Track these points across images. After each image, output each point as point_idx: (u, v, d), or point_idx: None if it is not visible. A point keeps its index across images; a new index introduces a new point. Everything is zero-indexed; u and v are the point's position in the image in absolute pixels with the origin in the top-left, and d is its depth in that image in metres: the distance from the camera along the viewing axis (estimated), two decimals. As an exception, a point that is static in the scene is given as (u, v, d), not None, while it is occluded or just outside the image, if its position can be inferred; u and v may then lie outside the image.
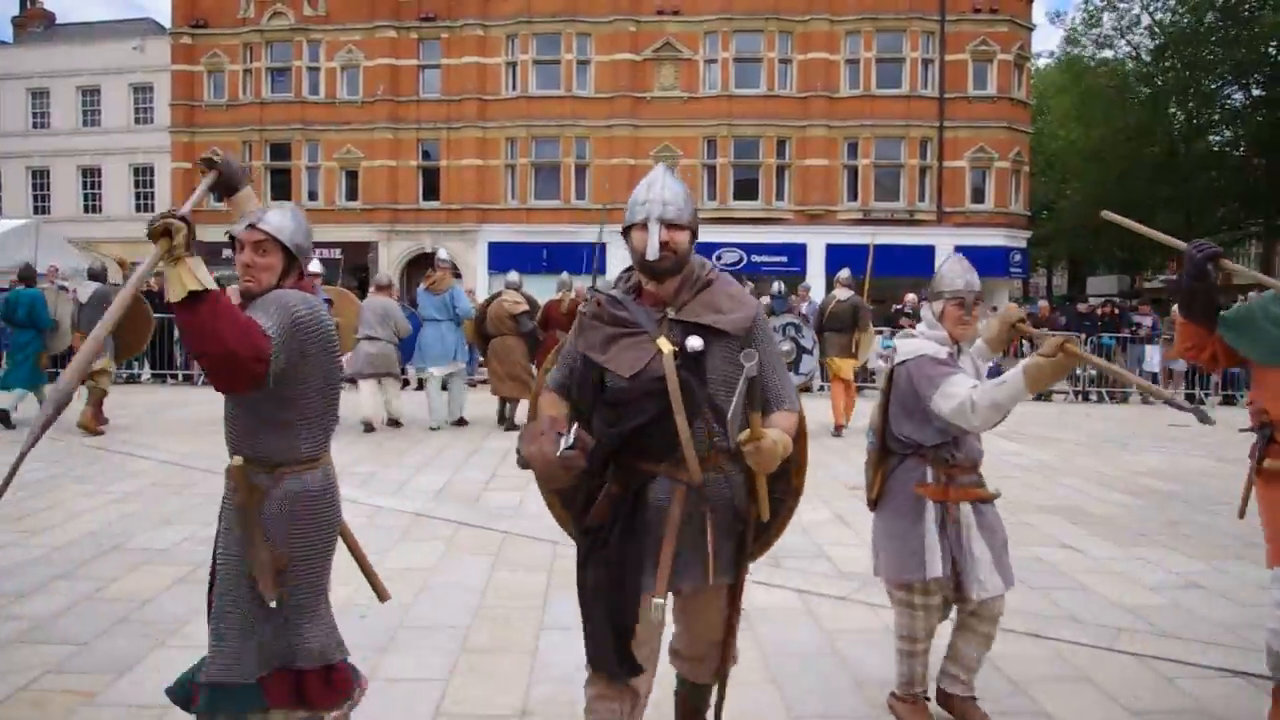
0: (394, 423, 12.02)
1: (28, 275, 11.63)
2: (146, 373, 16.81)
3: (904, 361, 3.69)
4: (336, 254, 30.95)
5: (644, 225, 2.76)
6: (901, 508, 3.70)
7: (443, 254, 12.97)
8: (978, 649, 3.79)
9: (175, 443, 10.16)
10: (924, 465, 3.68)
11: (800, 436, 2.93)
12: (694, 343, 2.71)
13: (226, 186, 3.15)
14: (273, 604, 2.90)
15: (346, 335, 11.44)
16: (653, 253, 2.73)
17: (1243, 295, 20.75)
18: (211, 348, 2.51)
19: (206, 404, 13.86)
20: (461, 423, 12.30)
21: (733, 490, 2.83)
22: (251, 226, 2.93)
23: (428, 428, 11.87)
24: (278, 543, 2.90)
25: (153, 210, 33.66)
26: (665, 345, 2.70)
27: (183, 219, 2.44)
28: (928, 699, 3.85)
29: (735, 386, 2.65)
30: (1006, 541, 3.78)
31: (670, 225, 2.75)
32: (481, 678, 4.18)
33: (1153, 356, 17.53)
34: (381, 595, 3.51)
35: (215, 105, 33.42)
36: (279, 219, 2.98)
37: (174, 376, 17.14)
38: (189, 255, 2.45)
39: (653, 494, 2.77)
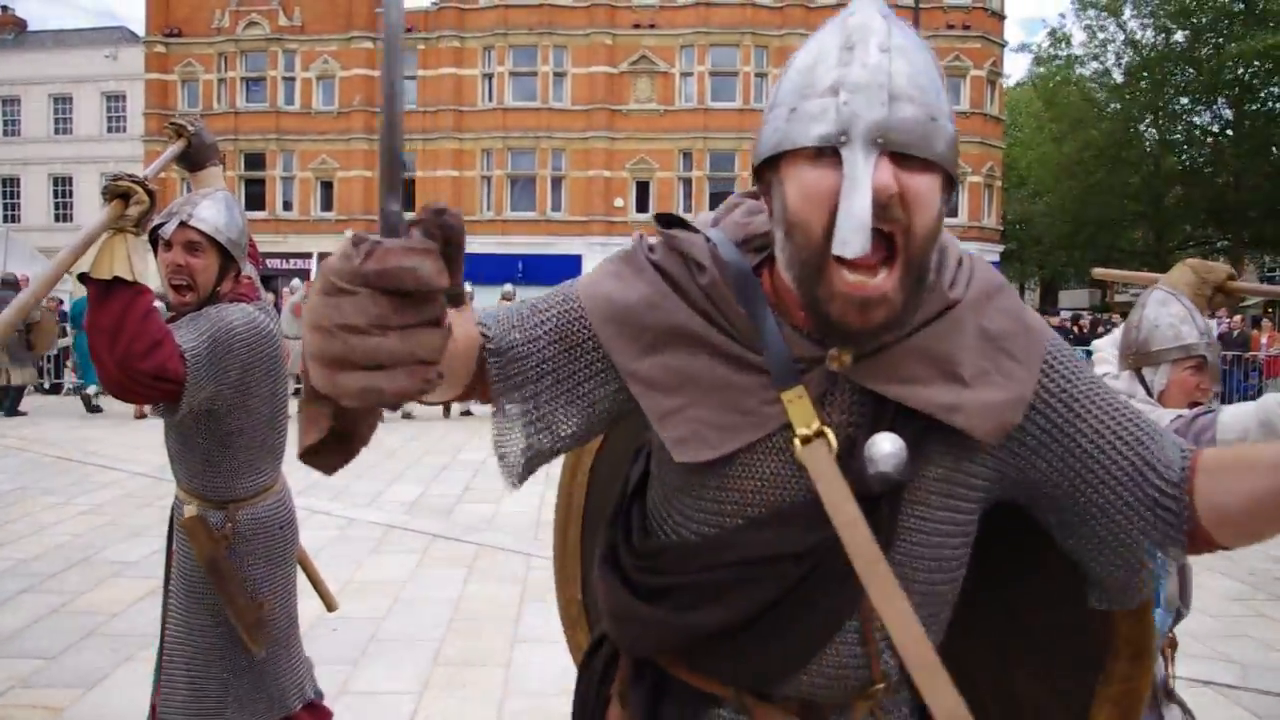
0: (406, 414, 13.50)
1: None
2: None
3: None
4: (312, 264, 30.88)
5: (833, 153, 1.04)
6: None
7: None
8: None
9: (145, 454, 10.06)
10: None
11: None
12: (884, 449, 1.10)
13: (194, 160, 2.77)
14: (261, 655, 2.55)
15: None
16: (858, 236, 0.99)
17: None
18: (111, 349, 2.13)
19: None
20: (468, 413, 14.05)
21: None
22: (183, 224, 2.48)
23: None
24: (255, 587, 2.56)
25: (125, 219, 33.44)
26: (800, 414, 1.13)
27: (145, 188, 2.12)
28: None
29: (956, 553, 1.20)
30: None
31: (903, 158, 1.03)
32: (455, 691, 4.16)
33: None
34: (330, 605, 3.34)
35: (189, 115, 33.13)
36: (213, 214, 2.51)
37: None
38: (137, 234, 2.12)
39: None
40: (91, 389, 14.05)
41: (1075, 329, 19.09)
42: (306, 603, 5.22)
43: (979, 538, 1.23)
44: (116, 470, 9.20)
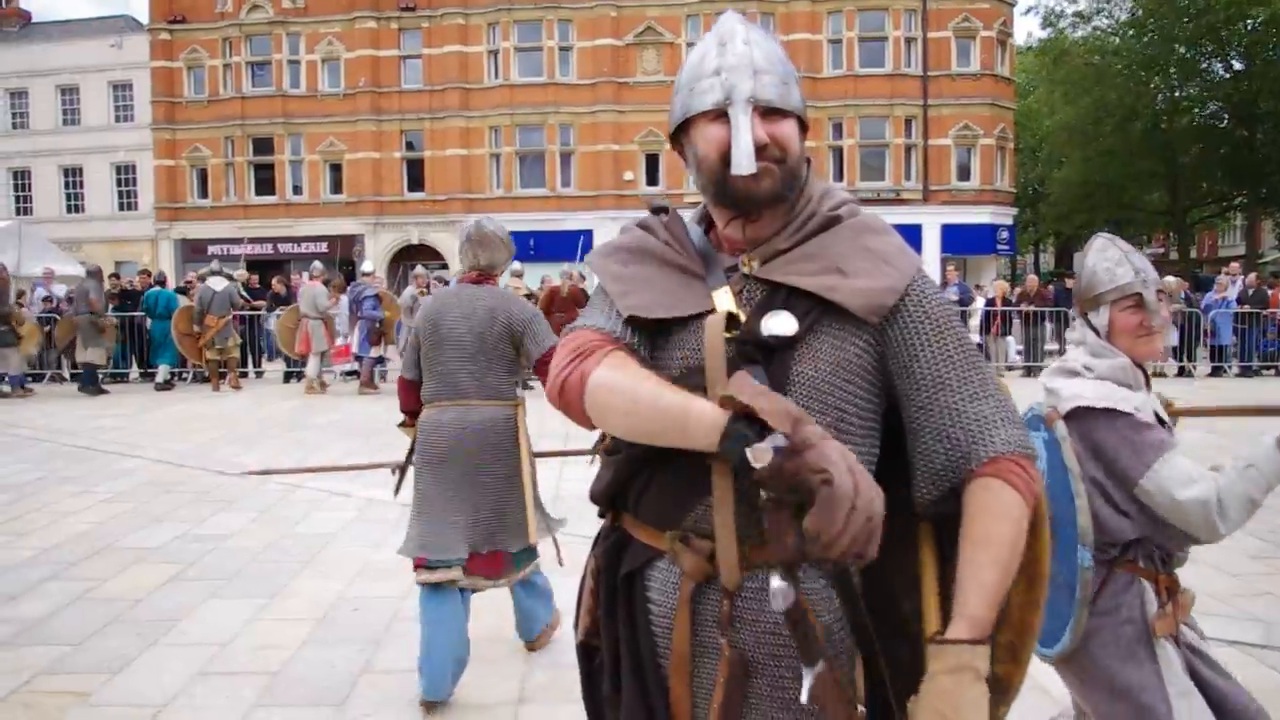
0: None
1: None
2: (134, 371, 16.73)
3: (1073, 414, 2.41)
4: (323, 247, 30.93)
5: (721, 114, 1.52)
6: (1121, 649, 2.38)
7: (419, 269, 15.44)
8: None
9: (164, 440, 10.11)
10: (1137, 577, 2.41)
11: (1034, 535, 1.46)
12: (774, 324, 1.46)
13: None
14: None
15: (390, 329, 15.01)
16: (746, 160, 1.48)
17: (1226, 267, 20.84)
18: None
19: (194, 401, 13.83)
20: None
21: (804, 627, 1.38)
22: None
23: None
24: None
25: (135, 209, 33.54)
26: (722, 302, 1.51)
27: None
28: None
29: (848, 413, 1.47)
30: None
31: (770, 112, 1.52)
32: (478, 666, 4.16)
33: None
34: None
35: (196, 101, 33.21)
36: None
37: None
38: None
39: (652, 591, 1.55)
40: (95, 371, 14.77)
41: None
42: (325, 584, 5.26)
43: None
44: (136, 458, 9.24)
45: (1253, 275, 19.75)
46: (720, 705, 1.45)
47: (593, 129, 31.53)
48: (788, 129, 1.54)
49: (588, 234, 18.40)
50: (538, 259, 25.78)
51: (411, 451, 4.24)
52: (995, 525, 1.38)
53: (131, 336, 16.24)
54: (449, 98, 31.99)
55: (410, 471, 4.25)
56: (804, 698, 1.34)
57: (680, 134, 1.62)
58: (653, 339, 1.56)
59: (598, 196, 31.33)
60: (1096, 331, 2.51)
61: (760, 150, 1.49)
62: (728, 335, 1.46)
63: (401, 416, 4.34)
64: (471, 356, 3.95)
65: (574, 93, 31.59)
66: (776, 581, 1.31)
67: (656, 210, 1.72)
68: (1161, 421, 2.44)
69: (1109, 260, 2.51)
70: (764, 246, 1.57)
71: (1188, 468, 2.27)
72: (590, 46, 31.57)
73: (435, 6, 32.07)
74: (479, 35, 32.08)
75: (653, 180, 31.35)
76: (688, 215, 1.71)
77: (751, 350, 1.46)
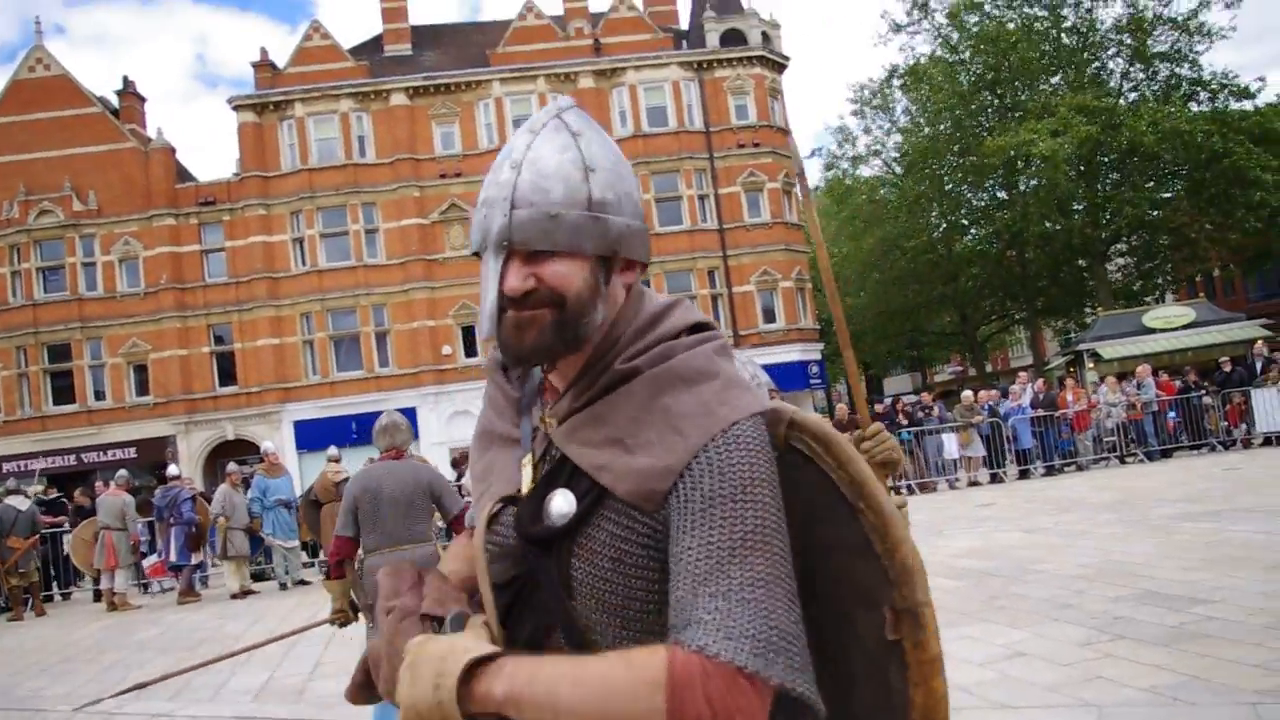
0: (246, 591, 13.96)
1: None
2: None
3: None
4: (132, 453, 29.30)
5: (478, 254, 1.32)
6: None
7: (268, 445, 15.76)
8: None
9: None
10: None
11: None
12: (556, 505, 1.26)
13: None
14: None
15: (205, 533, 14.74)
16: (487, 321, 1.28)
17: (1018, 376, 22.40)
18: None
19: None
20: (303, 583, 14.28)
21: None
22: None
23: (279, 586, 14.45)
24: None
25: (-85, 434, 31.03)
26: (525, 477, 1.34)
27: None
28: None
29: (632, 613, 1.22)
30: None
31: (531, 256, 1.26)
32: None
33: (949, 444, 18.56)
34: None
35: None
36: None
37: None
38: None
39: None
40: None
41: (900, 413, 19.92)
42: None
43: None
44: None
45: (1040, 381, 21.35)
46: None
47: (406, 307, 31.54)
48: (562, 267, 1.25)
49: (410, 412, 18.15)
50: (360, 443, 25.20)
51: (338, 606, 5.43)
52: (614, 665, 1.11)
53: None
54: (256, 288, 31.47)
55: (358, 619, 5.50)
56: None
57: None
58: None
59: (417, 373, 31.13)
60: None
61: (523, 299, 1.25)
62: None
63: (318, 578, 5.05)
64: (405, 513, 5.27)
65: (384, 273, 31.67)
66: None
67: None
68: None
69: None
70: (560, 402, 1.33)
71: None
72: (396, 227, 31.88)
73: (236, 199, 31.83)
74: (282, 224, 31.92)
75: (471, 352, 31.45)
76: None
77: (538, 531, 1.26)
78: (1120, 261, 38.79)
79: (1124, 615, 6.70)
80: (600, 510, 1.22)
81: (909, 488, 18.14)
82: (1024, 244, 35.35)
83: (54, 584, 15.95)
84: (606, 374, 1.28)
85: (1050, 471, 18.59)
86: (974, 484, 18.32)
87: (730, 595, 1.10)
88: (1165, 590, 7.31)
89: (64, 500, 17.89)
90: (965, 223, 38.89)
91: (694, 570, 1.13)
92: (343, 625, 5.50)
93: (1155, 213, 33.61)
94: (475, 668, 1.12)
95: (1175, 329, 27.02)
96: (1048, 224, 33.45)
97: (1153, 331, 27.03)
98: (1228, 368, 19.63)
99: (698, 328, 1.33)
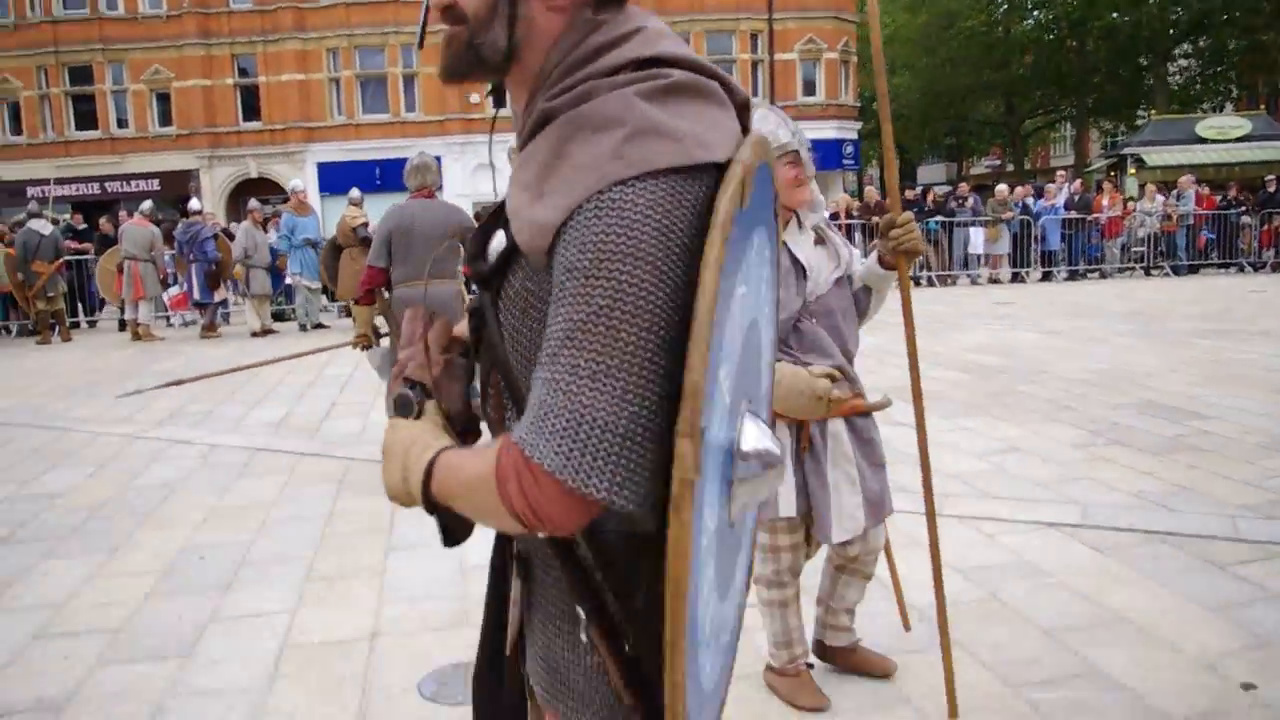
0: (266, 330, 14.32)
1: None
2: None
3: None
4: (155, 185, 29.26)
5: None
6: None
7: (296, 183, 15.80)
8: (859, 590, 3.31)
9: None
10: None
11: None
12: (494, 243, 1.24)
13: None
14: None
15: (227, 270, 14.69)
16: (418, 35, 1.41)
17: (1061, 172, 21.86)
18: None
19: (21, 357, 13.10)
20: (321, 326, 14.73)
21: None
22: None
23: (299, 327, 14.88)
24: None
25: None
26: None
27: None
28: (810, 665, 3.25)
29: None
30: (884, 462, 3.24)
31: None
32: (329, 604, 4.14)
33: (976, 239, 18.32)
34: None
35: (1, 26, 30.62)
36: None
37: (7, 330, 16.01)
38: None
39: None
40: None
41: (930, 201, 19.60)
42: (169, 535, 5.11)
43: None
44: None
45: (1078, 182, 20.81)
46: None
47: (437, 50, 30.41)
48: None
49: (436, 160, 17.93)
50: (384, 189, 25.10)
51: (362, 331, 5.85)
52: (484, 458, 1.09)
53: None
54: (282, 18, 30.38)
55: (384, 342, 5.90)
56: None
57: None
58: None
59: (444, 121, 30.46)
60: None
61: (444, 12, 1.26)
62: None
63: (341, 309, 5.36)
64: (435, 249, 5.51)
65: (415, 10, 30.41)
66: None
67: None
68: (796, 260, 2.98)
69: (770, 125, 2.87)
70: (521, 137, 1.24)
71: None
72: (429, -37, 30.34)
73: (260, -78, 30.25)
74: (310, -49, 30.48)
75: (500, 101, 30.42)
76: None
77: (484, 272, 1.23)
78: (1183, 63, 36.90)
79: (1122, 422, 6.82)
80: (517, 257, 1.15)
81: (930, 280, 18.09)
82: (1087, 34, 33.58)
83: (79, 310, 16.26)
84: (537, 113, 1.18)
85: (1073, 276, 18.41)
86: (994, 281, 18.22)
87: (553, 384, 1.03)
88: (1167, 402, 7.40)
89: (93, 229, 17.98)
90: (1030, 3, 36.82)
91: (544, 349, 1.06)
92: (365, 349, 5.94)
93: (1234, 12, 31.69)
94: (432, 465, 1.18)
95: (1228, 140, 26.07)
96: (1115, 14, 31.64)
97: (1204, 141, 26.09)
98: (1272, 187, 19.02)
99: (648, 63, 1.13)
